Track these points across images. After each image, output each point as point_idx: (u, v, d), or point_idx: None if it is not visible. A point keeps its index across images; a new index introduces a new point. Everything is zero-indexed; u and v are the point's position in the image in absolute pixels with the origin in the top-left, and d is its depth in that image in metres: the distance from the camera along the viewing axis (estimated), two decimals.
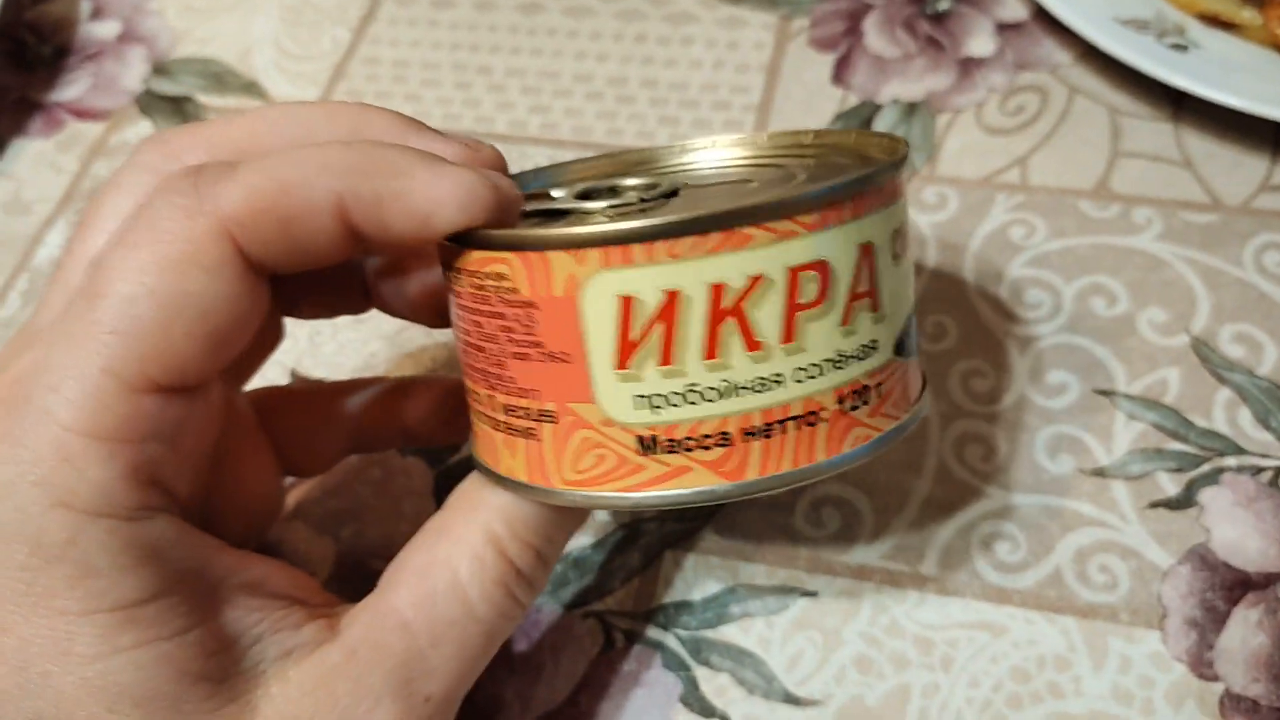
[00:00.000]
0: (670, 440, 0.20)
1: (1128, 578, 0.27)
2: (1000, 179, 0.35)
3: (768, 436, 0.20)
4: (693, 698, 0.27)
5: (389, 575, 0.23)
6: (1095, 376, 0.31)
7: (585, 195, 0.24)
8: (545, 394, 0.21)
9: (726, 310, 0.19)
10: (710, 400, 0.20)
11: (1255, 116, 0.33)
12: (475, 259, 0.21)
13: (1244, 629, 0.27)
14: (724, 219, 0.19)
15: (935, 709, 0.26)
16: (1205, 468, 0.29)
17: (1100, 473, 0.29)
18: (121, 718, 0.19)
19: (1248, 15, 0.34)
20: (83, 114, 0.40)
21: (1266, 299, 0.31)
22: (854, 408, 0.21)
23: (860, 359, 0.21)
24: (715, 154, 0.27)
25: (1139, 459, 0.29)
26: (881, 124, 0.36)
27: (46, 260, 0.36)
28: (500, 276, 0.20)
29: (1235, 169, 0.34)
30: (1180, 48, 0.34)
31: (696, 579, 0.28)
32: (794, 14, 0.40)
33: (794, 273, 0.19)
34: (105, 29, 0.43)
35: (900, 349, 0.22)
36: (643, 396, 0.20)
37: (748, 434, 0.20)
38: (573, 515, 0.24)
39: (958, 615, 0.27)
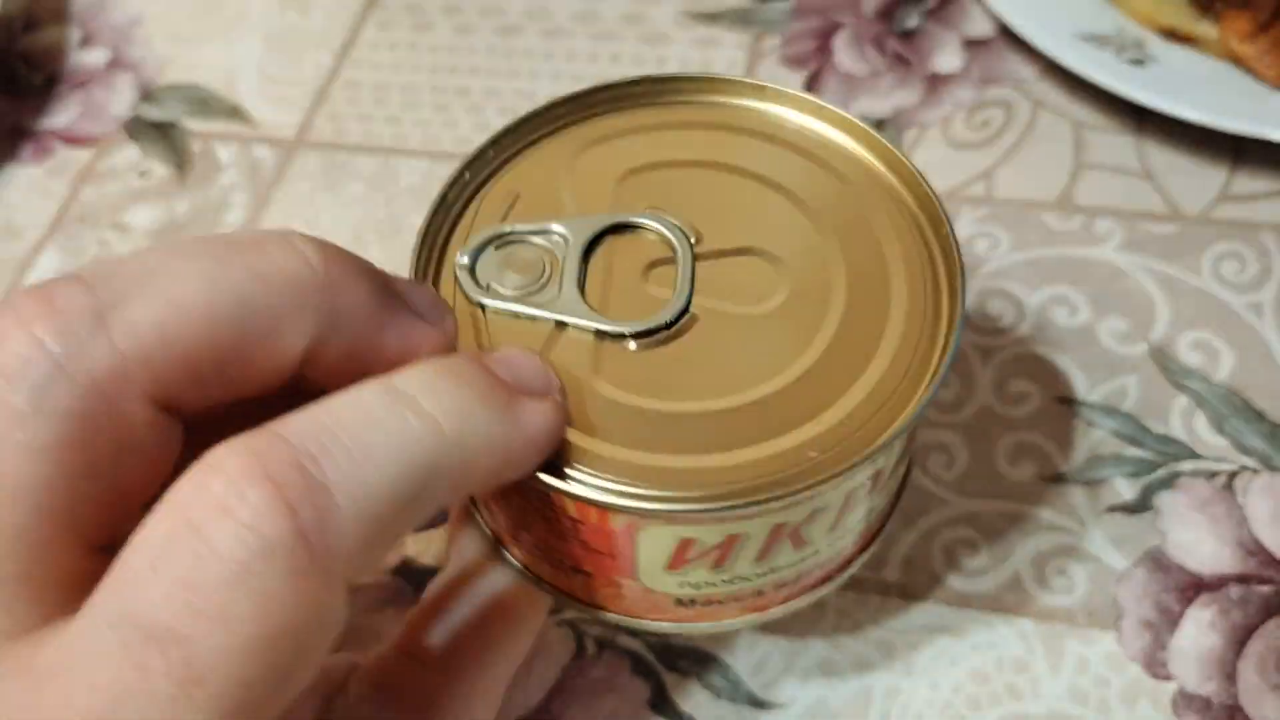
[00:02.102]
0: (708, 599, 0.22)
1: (1085, 581, 0.28)
2: (966, 192, 0.35)
3: (793, 584, 0.23)
4: (661, 702, 0.28)
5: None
6: (1056, 385, 0.31)
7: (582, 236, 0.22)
8: (586, 564, 0.22)
9: (783, 534, 0.21)
10: (749, 581, 0.22)
11: (1215, 129, 0.33)
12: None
13: (1197, 629, 0.27)
14: (781, 491, 0.19)
15: (897, 710, 0.27)
16: (1161, 472, 0.29)
17: (1059, 479, 0.30)
18: None
19: (1205, 30, 0.35)
20: (72, 140, 0.41)
21: (1224, 307, 0.32)
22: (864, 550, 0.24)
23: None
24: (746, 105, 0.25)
25: (1097, 465, 0.30)
26: None
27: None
28: (547, 496, 0.20)
29: (1195, 180, 0.35)
30: (1139, 62, 0.35)
31: None
32: (766, 33, 0.41)
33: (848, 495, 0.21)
34: (94, 57, 0.44)
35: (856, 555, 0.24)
36: (688, 584, 0.22)
37: (779, 587, 0.23)
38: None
39: (919, 619, 0.28)
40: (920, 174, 0.23)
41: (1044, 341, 0.32)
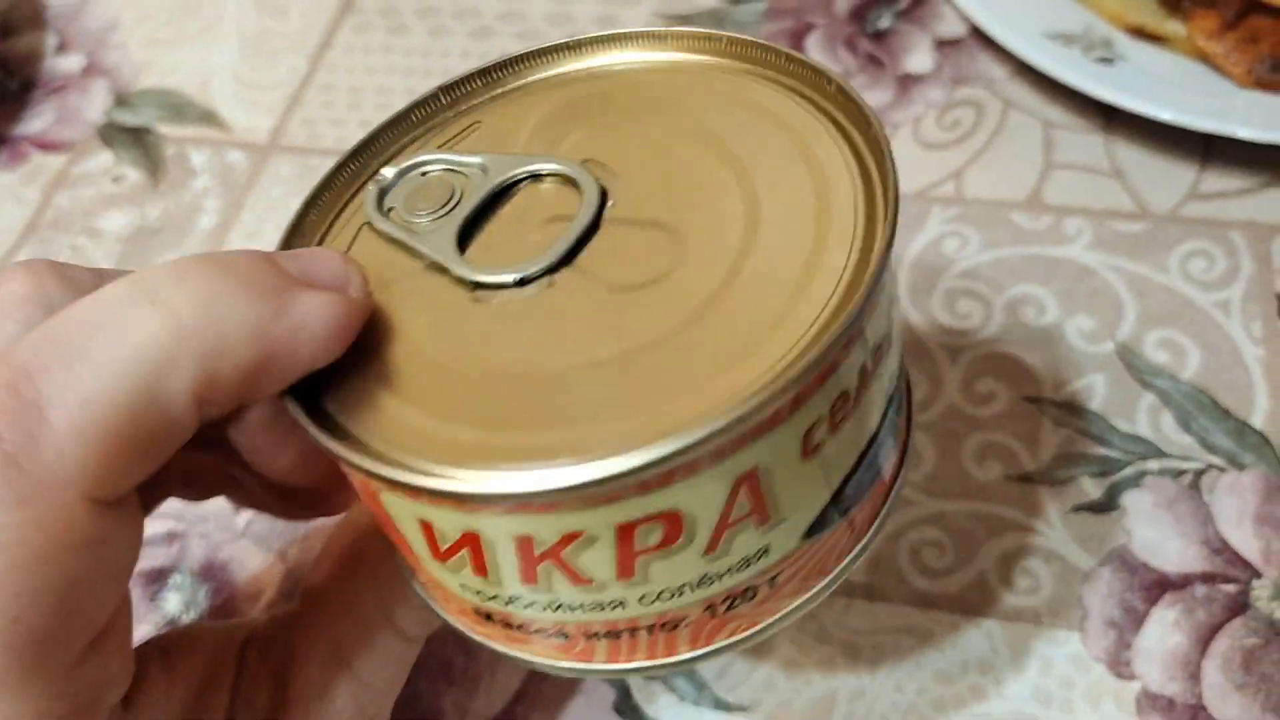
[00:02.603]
0: (506, 623, 0.19)
1: (1050, 581, 0.28)
2: (935, 192, 0.35)
3: (615, 638, 0.18)
4: (626, 706, 0.28)
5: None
6: (1023, 384, 0.31)
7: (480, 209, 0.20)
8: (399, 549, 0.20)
9: (540, 556, 0.17)
10: (538, 610, 0.18)
11: (1183, 128, 0.33)
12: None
13: (1161, 628, 0.27)
14: (544, 494, 0.16)
15: (861, 712, 0.27)
16: (1128, 471, 0.29)
17: (1026, 478, 0.30)
18: None
19: (1173, 28, 0.35)
20: (46, 146, 0.41)
21: (1191, 305, 0.32)
22: (731, 608, 0.18)
23: (741, 569, 0.18)
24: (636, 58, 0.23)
25: (1064, 464, 0.30)
26: None
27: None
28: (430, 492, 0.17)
29: (1164, 178, 0.35)
30: (1108, 61, 0.35)
31: None
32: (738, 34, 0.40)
33: (626, 528, 0.16)
34: (70, 63, 0.44)
35: (814, 529, 0.18)
36: (468, 588, 0.19)
37: (589, 636, 0.18)
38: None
39: (884, 621, 0.28)
40: (860, 101, 0.20)
41: (1012, 341, 0.32)
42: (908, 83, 0.38)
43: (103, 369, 0.16)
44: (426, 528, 0.18)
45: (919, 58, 0.38)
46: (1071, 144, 0.36)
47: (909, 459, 0.21)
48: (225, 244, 0.37)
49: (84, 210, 0.39)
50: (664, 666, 0.19)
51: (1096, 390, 0.31)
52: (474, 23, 0.42)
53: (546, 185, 0.20)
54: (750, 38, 0.22)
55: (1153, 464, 0.29)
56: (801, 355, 0.16)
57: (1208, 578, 0.28)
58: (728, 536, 0.17)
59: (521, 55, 0.23)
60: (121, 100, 0.42)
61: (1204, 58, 0.34)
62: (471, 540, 0.17)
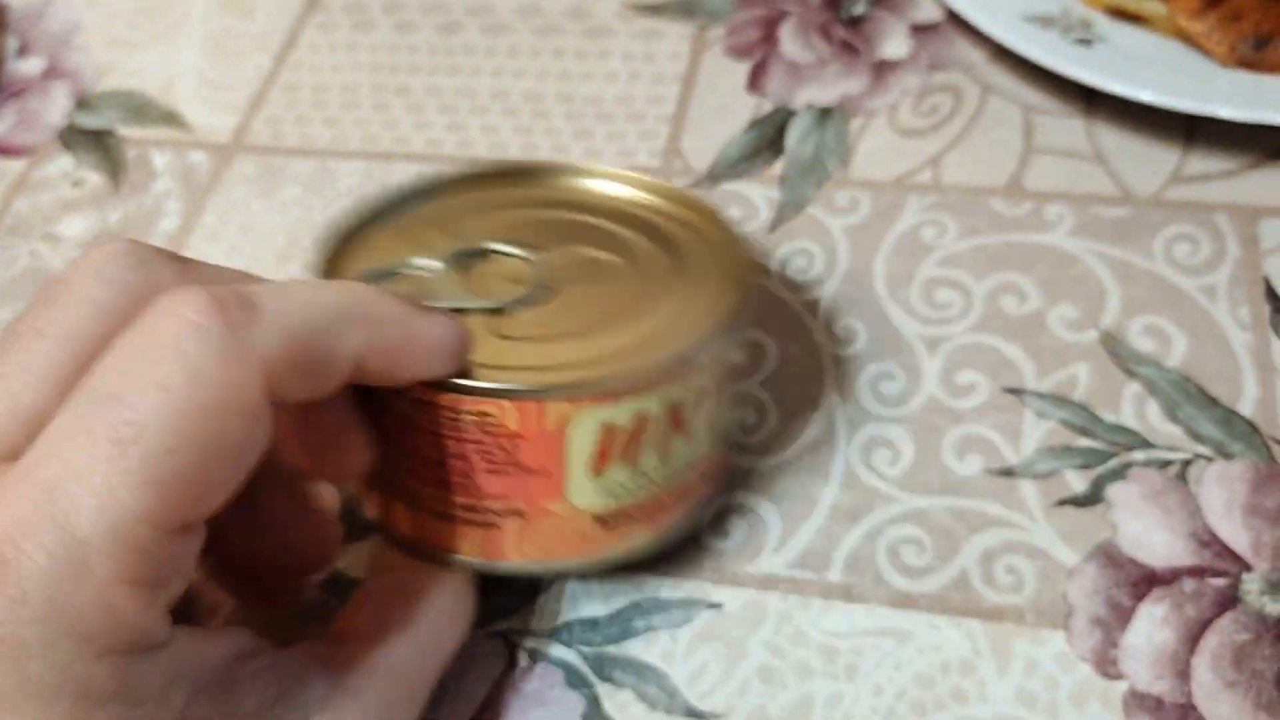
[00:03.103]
0: (625, 513, 0.25)
1: (1034, 578, 0.27)
2: (913, 180, 0.34)
3: (685, 496, 0.26)
4: (595, 716, 0.27)
5: (358, 614, 0.25)
6: (1005, 375, 0.30)
7: (457, 266, 0.26)
8: (515, 497, 0.24)
9: (678, 418, 0.24)
10: (655, 483, 0.25)
11: (1165, 109, 0.32)
12: (458, 398, 0.23)
13: (1149, 625, 0.26)
14: (680, 359, 0.24)
15: (839, 718, 0.26)
16: (1113, 463, 0.28)
17: (1008, 472, 0.29)
18: None
19: (1153, 8, 0.34)
20: (6, 150, 0.40)
21: (1176, 290, 0.31)
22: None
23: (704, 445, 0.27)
24: (580, 184, 0.29)
25: (1047, 457, 0.29)
26: (795, 130, 0.36)
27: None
28: (485, 414, 0.23)
29: (1146, 161, 0.34)
30: (1087, 42, 0.34)
31: (602, 594, 0.28)
32: (710, 23, 0.40)
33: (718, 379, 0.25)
34: (31, 66, 0.43)
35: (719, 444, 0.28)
36: (606, 490, 0.24)
37: (679, 497, 0.26)
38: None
39: (863, 622, 0.27)
40: (724, 218, 0.27)
41: (992, 330, 0.31)
42: (883, 69, 0.37)
43: (305, 302, 0.21)
44: (607, 432, 0.24)
45: (895, 44, 0.38)
46: (1052, 128, 0.35)
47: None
48: (186, 246, 0.36)
49: (43, 215, 0.38)
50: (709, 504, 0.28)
51: (1080, 380, 0.30)
52: (441, 17, 0.42)
53: (487, 262, 0.26)
54: (665, 185, 0.28)
55: (1138, 455, 0.29)
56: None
57: (1196, 572, 0.27)
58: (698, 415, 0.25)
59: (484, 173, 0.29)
60: (83, 103, 0.41)
61: (1185, 37, 0.33)
62: (639, 426, 0.24)
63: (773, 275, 0.33)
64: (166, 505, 0.19)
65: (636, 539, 0.26)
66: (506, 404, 0.23)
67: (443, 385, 0.23)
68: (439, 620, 0.25)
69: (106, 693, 0.19)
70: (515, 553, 0.25)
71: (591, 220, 0.28)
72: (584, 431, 0.23)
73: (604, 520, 0.25)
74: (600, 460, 0.24)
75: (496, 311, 0.25)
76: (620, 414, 0.24)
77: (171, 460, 0.19)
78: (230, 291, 0.20)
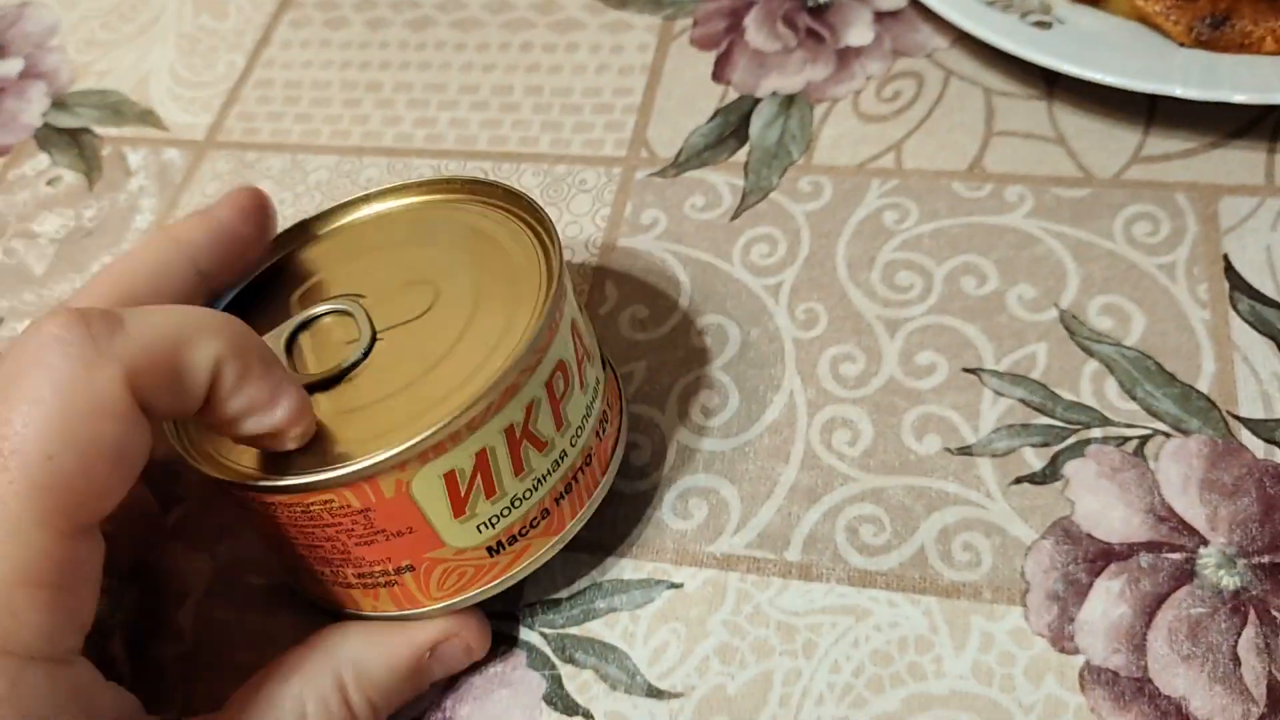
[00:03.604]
0: (511, 536, 0.25)
1: (991, 555, 0.27)
2: (875, 165, 0.35)
3: (569, 492, 0.26)
4: (556, 696, 0.27)
5: (242, 695, 0.24)
6: (964, 355, 0.30)
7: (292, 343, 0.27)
8: (397, 558, 0.25)
9: (520, 436, 0.24)
10: (527, 498, 0.25)
11: (1126, 90, 0.33)
12: (296, 497, 0.23)
13: (1105, 600, 0.26)
14: (496, 388, 0.23)
15: (796, 695, 0.26)
16: (1071, 440, 0.29)
17: (966, 451, 0.29)
18: None
19: None
20: None
21: (1135, 269, 0.31)
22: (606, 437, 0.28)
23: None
24: (374, 210, 0.30)
25: (1005, 435, 0.29)
26: (759, 118, 0.36)
27: None
28: (328, 501, 0.23)
29: (1107, 142, 0.34)
30: (1045, 25, 0.34)
31: (564, 574, 0.28)
32: (677, 14, 0.40)
33: (548, 384, 0.25)
34: (7, 67, 0.43)
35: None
36: (481, 525, 0.25)
37: (558, 499, 0.26)
38: (414, 681, 0.26)
39: (820, 600, 0.27)
40: (532, 201, 0.28)
41: (952, 311, 0.31)
42: (848, 56, 0.37)
43: (165, 317, 0.22)
44: (451, 479, 0.24)
45: (859, 30, 0.38)
46: (1013, 111, 0.35)
47: (621, 439, 0.28)
48: None
49: (18, 214, 0.39)
50: (596, 499, 0.27)
51: (1038, 359, 0.30)
52: (412, 13, 0.42)
53: (312, 329, 0.27)
54: (473, 177, 0.29)
55: (1096, 432, 0.29)
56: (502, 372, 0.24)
57: (1153, 546, 0.27)
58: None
59: (320, 214, 0.30)
60: (59, 102, 0.42)
61: (1143, 18, 0.33)
62: (482, 460, 0.24)
63: (735, 262, 0.33)
64: (57, 508, 0.20)
65: (538, 549, 0.26)
66: (342, 490, 0.23)
67: (276, 488, 0.23)
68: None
69: None
70: (427, 598, 0.26)
71: (398, 252, 0.28)
72: (428, 488, 0.24)
73: (493, 549, 0.25)
74: (458, 506, 0.24)
75: (333, 381, 0.25)
76: (457, 459, 0.24)
77: (50, 465, 0.20)
78: (96, 309, 0.21)
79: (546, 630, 0.28)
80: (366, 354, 0.26)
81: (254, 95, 0.41)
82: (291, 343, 0.27)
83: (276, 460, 0.24)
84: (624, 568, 0.28)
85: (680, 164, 0.36)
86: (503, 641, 0.28)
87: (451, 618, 0.26)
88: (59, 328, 0.20)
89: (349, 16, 0.42)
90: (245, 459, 0.25)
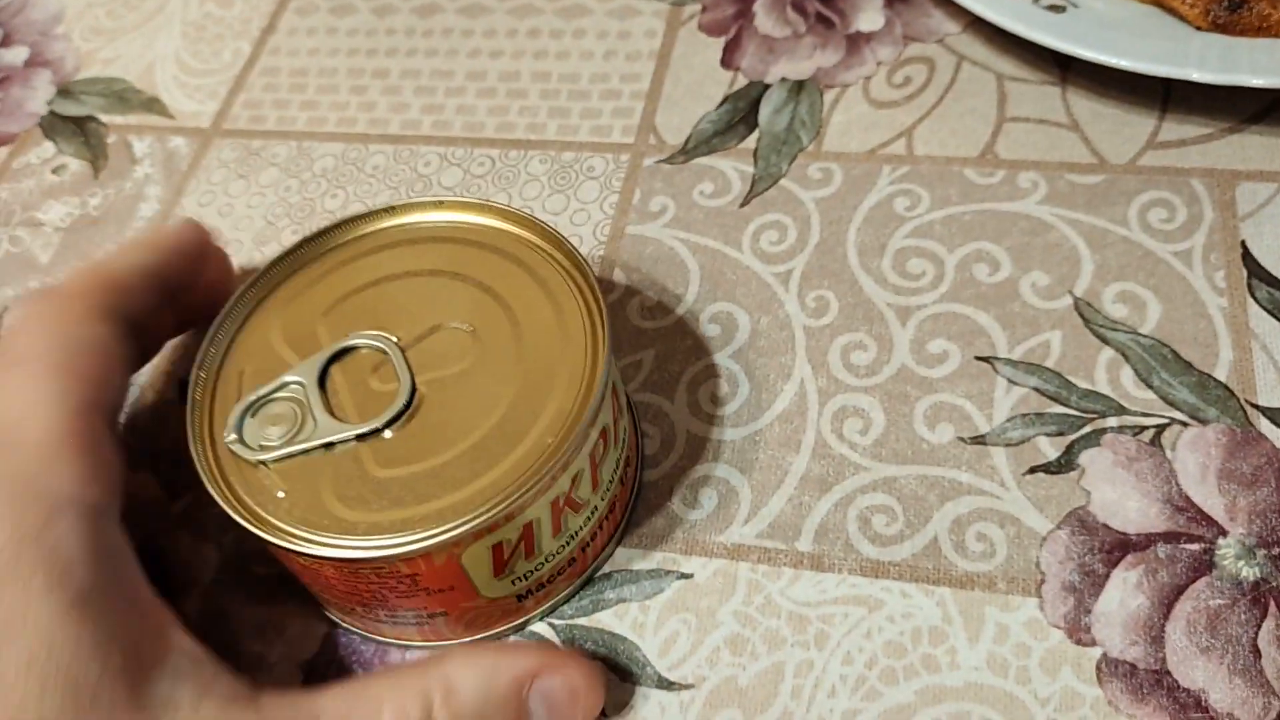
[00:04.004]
0: (539, 584, 0.27)
1: (1005, 545, 0.27)
2: (886, 151, 0.34)
3: (593, 539, 0.27)
4: None
5: (325, 688, 0.24)
6: (977, 343, 0.30)
7: (323, 379, 0.27)
8: (433, 607, 0.26)
9: (563, 505, 0.25)
10: (560, 553, 0.26)
11: (1141, 74, 0.32)
12: (346, 564, 0.24)
13: (1123, 591, 0.26)
14: (552, 471, 0.24)
15: (809, 687, 0.26)
16: (1086, 429, 0.28)
17: (980, 440, 0.29)
18: (50, 700, 0.20)
19: None
20: None
21: (1150, 255, 0.31)
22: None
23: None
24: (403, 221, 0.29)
25: (1019, 424, 0.29)
26: (768, 104, 0.36)
27: None
28: (378, 568, 0.24)
29: (1122, 128, 0.33)
30: (1059, 9, 0.33)
31: None
32: (685, 0, 0.39)
33: (591, 453, 0.26)
34: (13, 55, 0.43)
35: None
36: (516, 579, 0.26)
37: (584, 547, 0.27)
38: (509, 713, 0.25)
39: (833, 591, 0.27)
40: (570, 244, 0.28)
41: (964, 299, 0.31)
42: (858, 41, 0.37)
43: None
44: (496, 550, 0.25)
45: (869, 16, 0.37)
46: (1026, 96, 0.34)
47: (639, 475, 0.29)
48: None
49: (24, 202, 0.38)
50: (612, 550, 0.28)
51: (1053, 347, 0.30)
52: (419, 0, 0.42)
53: (345, 360, 0.27)
54: (504, 206, 0.29)
55: (1112, 421, 0.28)
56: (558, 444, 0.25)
57: (1170, 537, 0.27)
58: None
59: (336, 224, 0.29)
60: (64, 90, 0.41)
61: (1158, 2, 0.33)
62: (528, 530, 0.25)
63: (744, 250, 0.33)
64: (72, 385, 0.25)
65: (562, 589, 0.27)
66: (395, 561, 0.24)
67: (327, 559, 0.24)
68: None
69: (34, 531, 0.22)
70: (453, 634, 0.27)
71: (431, 283, 0.28)
72: (476, 557, 0.24)
73: (522, 596, 0.26)
74: (499, 568, 0.25)
75: (370, 434, 0.26)
76: (506, 532, 0.24)
77: (60, 355, 0.25)
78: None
79: (556, 621, 0.27)
80: (408, 406, 0.26)
81: (260, 83, 0.40)
82: (324, 374, 0.27)
83: (323, 518, 0.24)
84: (633, 558, 0.28)
85: (689, 151, 0.35)
86: (510, 632, 0.27)
87: (560, 653, 0.25)
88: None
89: (355, 3, 0.42)
90: (288, 515, 0.25)
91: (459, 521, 0.23)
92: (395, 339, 0.27)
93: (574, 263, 0.27)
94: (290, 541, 0.24)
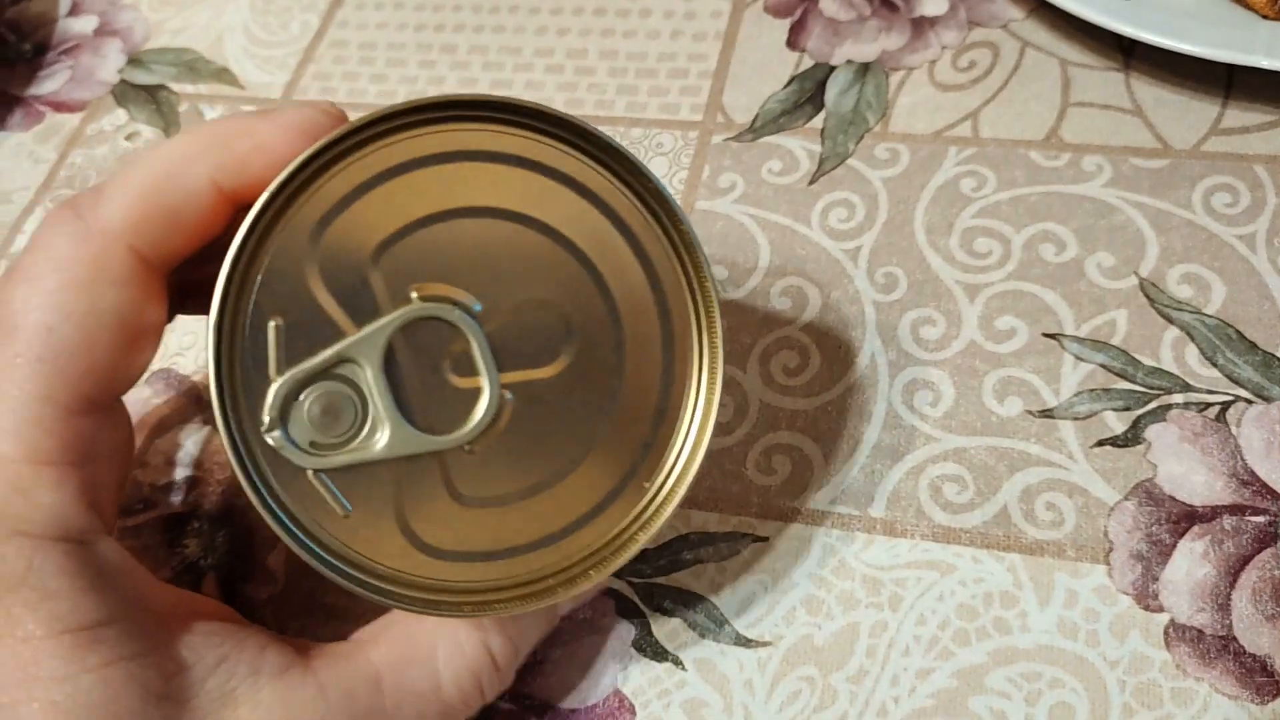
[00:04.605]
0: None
1: (1074, 514, 0.28)
2: (952, 133, 0.35)
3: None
4: (646, 643, 0.27)
5: (372, 628, 0.24)
6: (1044, 321, 0.31)
7: (390, 365, 0.21)
8: None
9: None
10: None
11: (1204, 61, 0.33)
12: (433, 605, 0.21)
13: (1189, 560, 0.27)
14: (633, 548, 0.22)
15: (883, 647, 0.27)
16: (1152, 405, 0.29)
17: (1048, 414, 0.29)
18: None
19: None
20: (60, 106, 0.41)
21: (1215, 239, 0.31)
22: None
23: None
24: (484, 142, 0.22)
25: (1086, 399, 0.29)
26: (834, 85, 0.37)
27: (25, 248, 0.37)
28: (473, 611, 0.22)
29: (1185, 114, 0.34)
30: None
31: None
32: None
33: None
34: (82, 24, 0.44)
35: None
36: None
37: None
38: (548, 614, 0.25)
39: (905, 555, 0.28)
40: (665, 191, 0.22)
41: (1031, 278, 0.31)
42: (922, 25, 0.37)
43: (142, 167, 0.21)
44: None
45: (933, 1, 0.38)
46: (1090, 81, 0.35)
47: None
48: None
49: (99, 168, 0.39)
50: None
51: (1119, 325, 0.30)
52: None
53: (412, 334, 0.21)
54: (584, 127, 0.22)
55: (1177, 397, 0.29)
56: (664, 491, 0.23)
57: (1236, 509, 0.27)
58: None
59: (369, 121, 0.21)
60: (134, 59, 0.42)
61: None
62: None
63: (812, 226, 0.34)
64: (61, 380, 0.20)
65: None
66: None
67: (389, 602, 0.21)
68: (443, 673, 0.24)
69: (15, 576, 0.19)
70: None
71: (508, 230, 0.22)
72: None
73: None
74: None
75: (453, 449, 0.21)
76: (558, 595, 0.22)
77: (51, 337, 0.20)
78: (89, 189, 0.22)
79: (634, 579, 0.28)
80: (494, 415, 0.21)
81: (329, 55, 0.41)
82: (389, 354, 0.21)
83: (405, 558, 0.21)
84: (709, 520, 0.29)
85: (756, 129, 0.36)
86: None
87: None
88: (51, 217, 0.21)
89: None
90: (363, 544, 0.21)
91: (515, 603, 0.21)
92: (473, 312, 0.21)
93: (659, 200, 0.22)
94: (376, 594, 0.21)
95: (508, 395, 0.21)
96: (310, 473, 0.20)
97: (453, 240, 0.21)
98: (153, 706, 0.19)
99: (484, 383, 0.21)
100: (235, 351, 0.20)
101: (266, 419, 0.20)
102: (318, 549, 0.20)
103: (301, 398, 0.20)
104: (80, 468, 0.20)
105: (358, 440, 0.21)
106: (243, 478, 0.20)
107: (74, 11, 0.44)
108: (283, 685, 0.21)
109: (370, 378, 0.21)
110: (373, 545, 0.21)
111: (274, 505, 0.20)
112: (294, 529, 0.20)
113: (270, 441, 0.20)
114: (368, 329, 0.21)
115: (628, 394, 0.22)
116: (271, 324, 0.20)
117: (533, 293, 0.22)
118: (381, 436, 0.21)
